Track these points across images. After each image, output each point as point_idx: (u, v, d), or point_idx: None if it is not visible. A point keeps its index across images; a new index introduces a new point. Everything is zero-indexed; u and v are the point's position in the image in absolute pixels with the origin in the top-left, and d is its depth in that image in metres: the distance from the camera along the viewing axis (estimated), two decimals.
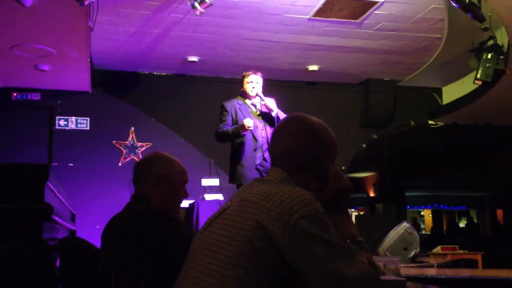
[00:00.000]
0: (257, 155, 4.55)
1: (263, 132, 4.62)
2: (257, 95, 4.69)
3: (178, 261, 1.51)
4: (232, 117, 4.68)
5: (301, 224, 1.29)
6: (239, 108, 4.69)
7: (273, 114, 4.60)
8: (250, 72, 4.74)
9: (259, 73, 4.76)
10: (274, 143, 1.60)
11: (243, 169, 4.52)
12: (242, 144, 4.57)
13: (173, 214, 2.22)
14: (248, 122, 4.44)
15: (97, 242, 2.04)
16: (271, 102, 4.64)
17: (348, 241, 1.44)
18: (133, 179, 2.21)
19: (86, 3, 4.43)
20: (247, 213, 1.35)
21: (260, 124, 4.66)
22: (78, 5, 4.46)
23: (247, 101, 4.75)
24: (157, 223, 1.93)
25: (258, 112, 4.70)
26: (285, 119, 1.65)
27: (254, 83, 4.70)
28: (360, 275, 1.28)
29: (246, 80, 4.73)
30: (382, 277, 1.70)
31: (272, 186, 1.43)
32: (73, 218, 4.10)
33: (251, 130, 4.54)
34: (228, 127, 4.64)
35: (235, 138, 4.59)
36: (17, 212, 1.63)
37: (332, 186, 1.53)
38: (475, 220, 18.24)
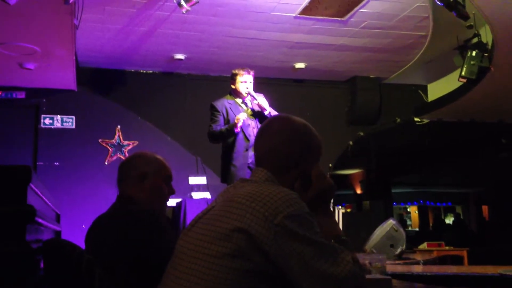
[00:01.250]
0: (249, 154, 4.51)
1: (255, 131, 4.55)
2: (249, 94, 4.65)
3: (161, 262, 1.50)
4: (224, 116, 4.63)
5: (286, 224, 1.29)
6: (230, 108, 4.63)
7: (266, 113, 4.56)
8: (244, 72, 4.66)
9: (252, 72, 4.72)
10: (258, 144, 1.61)
11: (235, 170, 4.48)
12: (234, 144, 4.53)
13: (158, 213, 2.20)
14: (241, 115, 4.42)
15: (83, 243, 2.03)
16: (263, 101, 4.61)
17: (332, 240, 1.45)
18: (117, 180, 2.21)
19: (71, 1, 4.39)
20: (232, 213, 1.35)
21: (252, 122, 4.61)
22: (63, 3, 4.41)
23: (238, 100, 4.71)
24: (140, 224, 1.93)
25: (249, 111, 4.67)
26: (269, 119, 1.66)
27: (248, 82, 4.64)
28: (345, 274, 1.29)
29: (240, 79, 4.65)
30: (368, 276, 1.71)
31: (257, 186, 1.43)
32: (58, 218, 4.07)
33: (242, 130, 4.51)
34: (220, 127, 4.59)
35: (229, 137, 4.54)
36: None
37: (315, 186, 1.54)
38: (461, 217, 18.41)
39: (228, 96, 4.75)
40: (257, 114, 4.64)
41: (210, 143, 4.77)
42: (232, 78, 4.72)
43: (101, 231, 2.02)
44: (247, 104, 4.69)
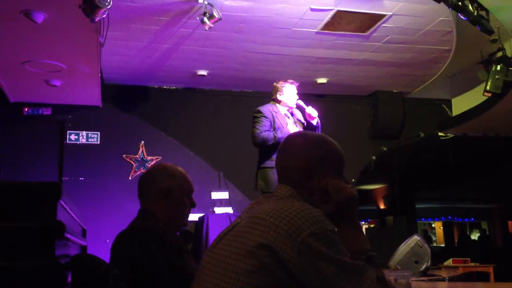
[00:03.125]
0: None
1: None
2: (298, 105, 4.70)
3: (178, 277, 1.51)
4: (271, 122, 4.62)
5: (310, 242, 1.28)
6: (276, 116, 4.65)
7: (314, 122, 4.58)
8: (291, 83, 4.73)
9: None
10: (277, 161, 1.63)
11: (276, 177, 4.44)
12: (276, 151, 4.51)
13: (178, 229, 2.20)
14: (293, 128, 4.43)
15: (108, 257, 2.05)
16: (312, 110, 4.63)
17: (358, 256, 1.43)
18: (138, 194, 2.19)
19: (96, 19, 4.47)
20: (255, 230, 1.35)
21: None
22: (89, 21, 4.50)
23: (282, 109, 4.74)
24: (156, 240, 1.93)
25: (292, 120, 4.70)
26: (286, 137, 1.68)
27: (295, 93, 4.71)
28: None
29: (290, 90, 4.70)
30: None
31: (280, 203, 1.43)
32: (84, 233, 4.12)
33: None
34: (268, 131, 4.56)
35: (279, 144, 4.52)
36: (30, 230, 1.65)
37: (333, 198, 1.50)
38: (487, 232, 18.08)
39: (272, 102, 4.77)
40: (308, 125, 4.66)
41: (254, 146, 4.66)
42: (278, 90, 4.74)
43: (121, 247, 2.03)
44: (290, 114, 4.72)
